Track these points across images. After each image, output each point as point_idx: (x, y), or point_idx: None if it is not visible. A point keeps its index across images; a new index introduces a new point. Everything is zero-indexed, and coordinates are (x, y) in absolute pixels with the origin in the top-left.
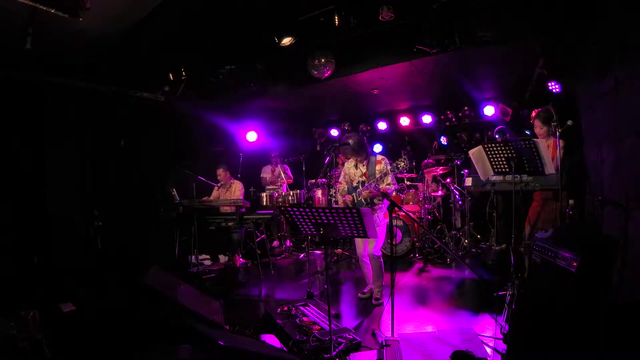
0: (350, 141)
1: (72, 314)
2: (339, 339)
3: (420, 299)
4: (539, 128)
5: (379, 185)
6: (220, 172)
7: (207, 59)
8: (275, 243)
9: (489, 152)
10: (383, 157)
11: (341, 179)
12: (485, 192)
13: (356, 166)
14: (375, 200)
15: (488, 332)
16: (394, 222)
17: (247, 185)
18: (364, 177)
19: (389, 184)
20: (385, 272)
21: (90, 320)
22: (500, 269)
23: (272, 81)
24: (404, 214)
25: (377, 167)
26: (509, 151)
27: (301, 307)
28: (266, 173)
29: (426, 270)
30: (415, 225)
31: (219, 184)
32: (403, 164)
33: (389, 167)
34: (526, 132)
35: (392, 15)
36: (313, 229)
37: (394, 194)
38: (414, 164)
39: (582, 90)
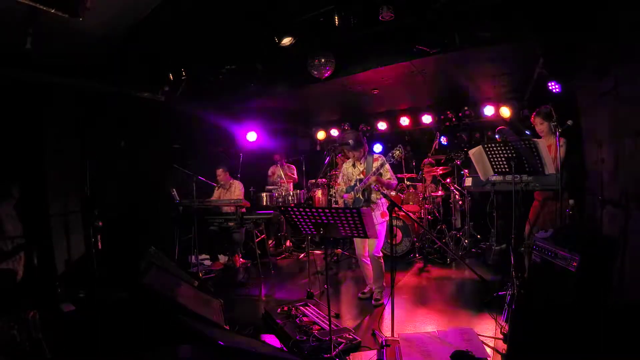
0: (350, 141)
1: (72, 314)
2: (339, 339)
3: (420, 299)
4: (540, 125)
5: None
6: (220, 173)
7: (207, 58)
8: (270, 243)
9: (489, 152)
10: (380, 155)
11: (339, 179)
12: (485, 192)
13: (354, 165)
14: (373, 196)
15: (488, 332)
16: (394, 222)
17: (247, 185)
18: (361, 176)
19: (389, 179)
20: (385, 272)
21: (90, 320)
22: (500, 269)
23: (272, 81)
24: (404, 214)
25: (375, 165)
26: (509, 151)
27: (301, 307)
28: (271, 173)
29: (426, 270)
30: (415, 225)
31: (218, 185)
32: (398, 152)
33: (385, 160)
34: (526, 132)
35: (392, 15)
36: (313, 229)
37: (393, 193)
38: (413, 163)
39: (582, 90)
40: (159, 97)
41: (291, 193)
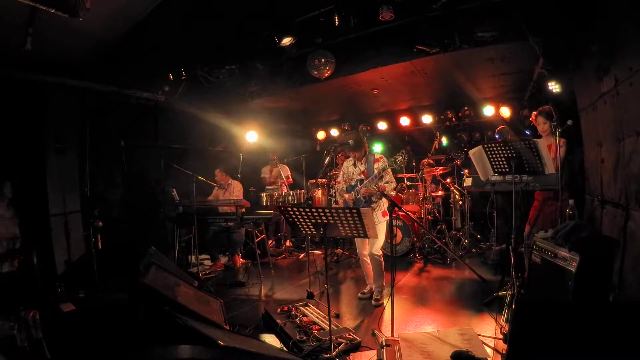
0: (351, 141)
1: (72, 314)
2: (339, 339)
3: (420, 299)
4: (542, 124)
5: (378, 183)
6: (217, 173)
7: (206, 59)
8: (270, 243)
9: (489, 152)
10: (381, 155)
11: (340, 178)
12: (485, 192)
13: (355, 165)
14: (374, 198)
15: (488, 332)
16: (394, 222)
17: (247, 185)
18: (362, 176)
19: (387, 182)
20: (385, 272)
21: (90, 320)
22: (500, 269)
23: (272, 81)
24: (404, 213)
25: (376, 165)
26: (509, 151)
27: (301, 307)
28: (265, 173)
29: (426, 270)
30: (415, 225)
31: (217, 185)
32: (401, 158)
33: (387, 164)
34: (526, 132)
35: (392, 15)
36: (313, 229)
37: (392, 193)
38: (414, 163)
39: (582, 90)
40: (159, 97)
41: (290, 193)
